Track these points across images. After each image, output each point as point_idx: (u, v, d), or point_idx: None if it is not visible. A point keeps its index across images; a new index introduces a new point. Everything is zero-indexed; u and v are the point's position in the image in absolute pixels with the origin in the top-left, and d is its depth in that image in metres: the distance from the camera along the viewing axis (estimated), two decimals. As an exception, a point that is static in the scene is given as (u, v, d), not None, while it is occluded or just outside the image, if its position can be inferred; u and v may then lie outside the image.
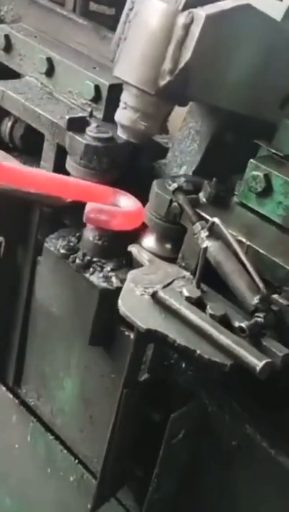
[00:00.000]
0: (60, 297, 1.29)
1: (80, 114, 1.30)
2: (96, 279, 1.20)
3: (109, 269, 1.21)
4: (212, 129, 1.28)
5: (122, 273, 1.20)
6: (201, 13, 1.05)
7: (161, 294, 1.00)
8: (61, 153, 1.32)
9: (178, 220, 1.11)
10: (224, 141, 1.29)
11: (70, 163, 1.27)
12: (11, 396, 1.57)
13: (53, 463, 1.52)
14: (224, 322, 0.96)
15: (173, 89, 1.10)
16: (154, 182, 1.17)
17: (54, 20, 1.57)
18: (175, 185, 1.10)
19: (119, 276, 1.20)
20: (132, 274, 1.07)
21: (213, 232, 1.03)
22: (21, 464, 1.60)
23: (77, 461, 1.45)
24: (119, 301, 1.00)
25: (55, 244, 1.27)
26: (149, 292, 1.02)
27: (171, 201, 1.11)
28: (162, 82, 1.10)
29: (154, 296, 1.01)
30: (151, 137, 1.24)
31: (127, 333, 1.20)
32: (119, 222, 1.18)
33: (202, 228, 1.04)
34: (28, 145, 1.46)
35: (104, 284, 1.19)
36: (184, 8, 1.07)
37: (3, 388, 1.58)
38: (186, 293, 1.00)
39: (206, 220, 1.06)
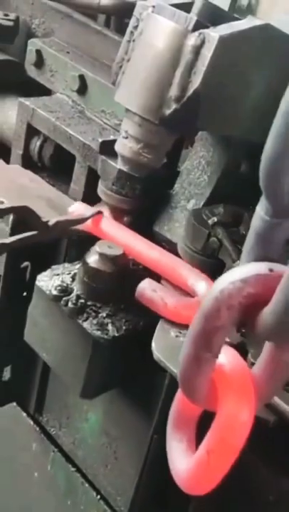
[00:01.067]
0: (52, 343, 1.13)
1: (113, 137, 1.24)
2: (89, 326, 1.04)
3: (104, 314, 1.06)
4: (224, 160, 1.16)
5: (118, 320, 1.06)
6: (214, 34, 0.93)
7: (198, 337, 0.93)
8: (92, 177, 1.26)
9: (216, 255, 1.05)
10: (237, 172, 1.18)
11: (101, 189, 1.21)
12: (32, 423, 1.52)
13: (73, 496, 1.46)
14: (267, 372, 0.89)
15: (180, 119, 1.00)
16: (191, 211, 1.11)
17: (87, 35, 1.51)
18: (214, 219, 1.03)
19: (115, 324, 1.05)
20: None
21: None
22: (40, 494, 1.55)
23: (99, 496, 1.39)
24: (153, 344, 0.94)
25: (46, 283, 1.11)
26: (185, 334, 0.95)
27: (209, 235, 1.04)
28: (168, 111, 0.99)
29: (190, 339, 0.94)
30: (153, 169, 1.13)
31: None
32: (170, 313, 1.01)
33: (243, 266, 0.97)
34: (57, 165, 1.40)
35: (98, 333, 1.04)
36: (195, 29, 0.95)
37: (24, 414, 1.53)
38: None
39: (248, 257, 0.99)
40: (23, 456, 1.58)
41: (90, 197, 1.25)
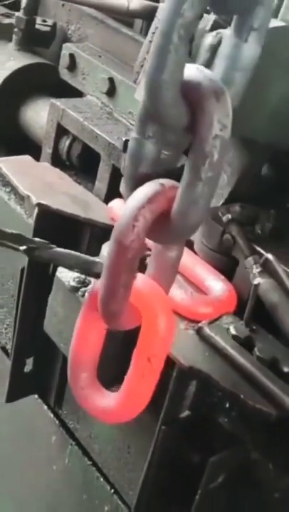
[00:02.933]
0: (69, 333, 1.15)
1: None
2: None
3: None
4: (245, 162, 1.16)
5: None
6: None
7: (206, 330, 0.95)
8: (116, 175, 1.29)
9: (230, 252, 1.06)
10: (257, 174, 1.19)
11: (123, 186, 1.24)
12: (52, 416, 1.55)
13: (89, 490, 1.48)
14: (273, 366, 0.90)
15: None
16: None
17: (120, 40, 1.56)
18: (229, 216, 1.05)
19: None
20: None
21: (267, 269, 0.97)
22: (58, 487, 1.57)
23: (112, 490, 1.41)
24: (162, 335, 0.96)
25: (66, 275, 1.15)
26: (194, 327, 0.97)
27: (223, 231, 1.06)
28: None
29: (199, 331, 0.96)
30: (171, 167, 1.16)
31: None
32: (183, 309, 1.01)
33: (255, 263, 0.98)
34: (85, 164, 1.44)
35: None
36: (212, 29, 0.97)
37: (45, 407, 1.56)
38: (233, 331, 0.94)
39: (261, 255, 1.00)
40: (43, 448, 1.61)
41: (113, 194, 1.28)
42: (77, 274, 1.17)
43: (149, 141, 0.74)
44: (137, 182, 0.75)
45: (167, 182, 0.73)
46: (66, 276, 1.16)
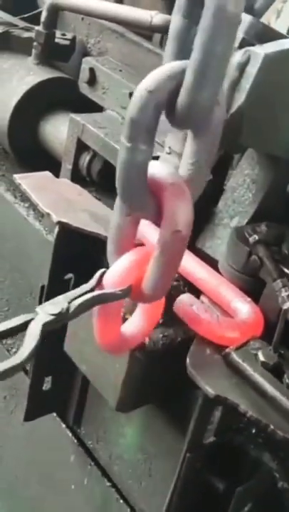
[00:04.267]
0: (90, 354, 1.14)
1: (159, 153, 1.25)
2: None
3: None
4: (270, 178, 1.14)
5: (156, 334, 1.03)
6: (259, 51, 0.93)
7: (234, 356, 0.92)
8: (137, 192, 1.27)
9: (257, 274, 1.03)
10: (283, 191, 1.16)
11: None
12: (70, 435, 1.52)
13: (108, 511, 1.45)
14: (303, 395, 0.87)
15: (223, 135, 1.01)
16: (233, 229, 1.10)
17: (140, 54, 1.54)
18: (256, 237, 1.02)
19: (153, 338, 1.03)
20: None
21: (296, 292, 0.94)
22: (76, 508, 1.55)
23: (133, 513, 1.38)
24: (188, 360, 0.93)
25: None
26: (221, 352, 0.94)
27: (250, 253, 1.03)
28: None
29: (226, 357, 0.93)
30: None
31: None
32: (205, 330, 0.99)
33: (284, 286, 0.95)
34: (105, 180, 1.42)
35: None
36: (241, 46, 0.95)
37: (64, 425, 1.54)
38: (261, 357, 0.91)
39: (289, 277, 0.97)
40: (62, 467, 1.58)
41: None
42: None
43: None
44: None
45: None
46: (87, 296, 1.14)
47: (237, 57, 0.94)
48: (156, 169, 0.77)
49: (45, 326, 0.80)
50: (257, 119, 0.99)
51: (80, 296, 0.84)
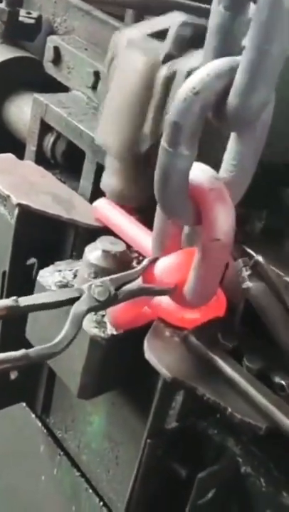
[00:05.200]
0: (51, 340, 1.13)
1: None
2: (87, 324, 0.99)
3: (103, 313, 1.02)
4: None
5: None
6: (182, 68, 0.89)
7: (193, 338, 0.89)
8: (101, 173, 1.23)
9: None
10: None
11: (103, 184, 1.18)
12: (40, 424, 1.49)
13: (78, 501, 1.42)
14: (262, 377, 0.84)
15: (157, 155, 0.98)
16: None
17: (106, 32, 1.49)
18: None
19: None
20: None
21: (257, 272, 0.91)
22: (46, 498, 1.52)
23: (102, 503, 1.35)
24: (145, 343, 0.90)
25: (47, 279, 1.09)
26: (180, 334, 0.91)
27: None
28: (144, 147, 0.97)
29: (185, 340, 0.89)
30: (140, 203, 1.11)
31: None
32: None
33: (244, 266, 0.92)
34: (70, 162, 1.38)
35: (95, 331, 1.01)
36: (165, 60, 0.92)
37: (33, 415, 1.51)
38: (221, 339, 0.88)
39: (251, 257, 0.94)
40: (31, 458, 1.55)
41: (98, 193, 1.22)
42: (59, 278, 1.11)
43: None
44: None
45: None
46: (48, 280, 1.11)
47: (163, 71, 0.92)
48: (195, 173, 0.73)
49: (89, 310, 0.80)
50: None
51: (126, 283, 0.84)
